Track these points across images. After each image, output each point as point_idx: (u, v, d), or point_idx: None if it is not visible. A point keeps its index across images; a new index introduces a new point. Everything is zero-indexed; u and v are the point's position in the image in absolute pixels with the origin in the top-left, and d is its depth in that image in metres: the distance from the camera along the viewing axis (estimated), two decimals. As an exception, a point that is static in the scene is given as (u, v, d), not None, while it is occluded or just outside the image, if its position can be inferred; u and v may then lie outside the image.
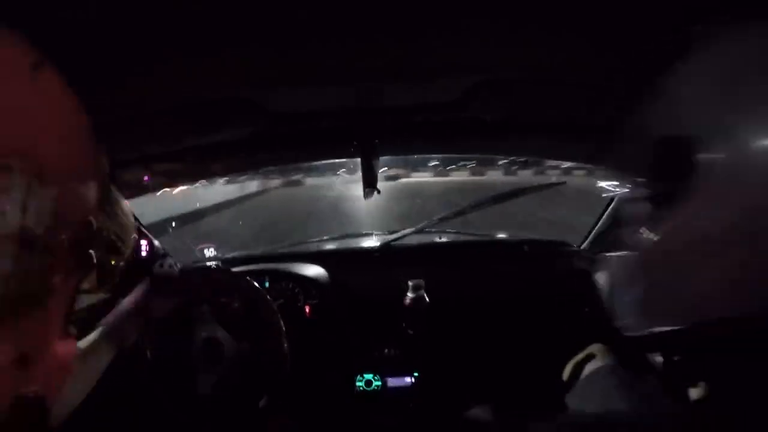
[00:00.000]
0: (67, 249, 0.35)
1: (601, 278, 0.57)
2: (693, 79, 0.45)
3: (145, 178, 1.25)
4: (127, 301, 0.92)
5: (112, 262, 0.43)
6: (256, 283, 1.05)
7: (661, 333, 0.49)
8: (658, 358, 0.85)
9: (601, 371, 0.95)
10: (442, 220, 1.47)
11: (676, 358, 0.60)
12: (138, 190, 1.31)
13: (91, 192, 0.38)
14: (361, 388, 1.28)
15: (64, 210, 0.34)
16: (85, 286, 0.40)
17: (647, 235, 0.46)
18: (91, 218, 0.38)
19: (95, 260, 0.39)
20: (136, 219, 1.31)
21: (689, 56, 0.44)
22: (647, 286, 0.47)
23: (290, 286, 1.37)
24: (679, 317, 0.44)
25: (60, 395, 0.39)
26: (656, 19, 0.56)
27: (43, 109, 0.34)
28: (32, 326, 0.33)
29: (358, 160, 1.09)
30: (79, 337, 0.66)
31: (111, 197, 0.43)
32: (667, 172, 0.48)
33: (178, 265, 1.34)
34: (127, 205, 0.47)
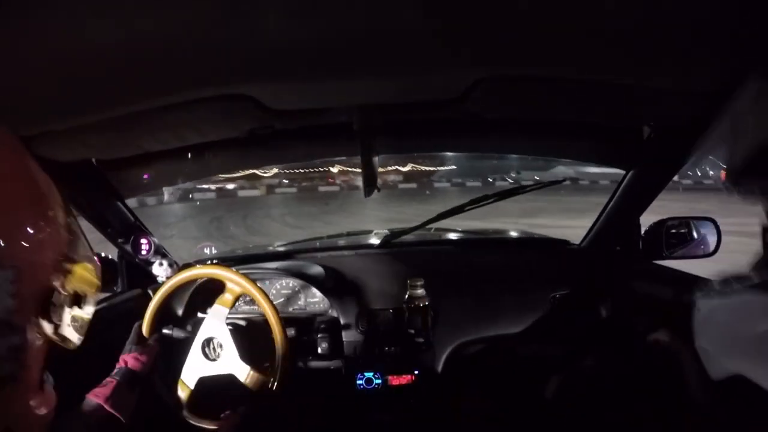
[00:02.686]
0: (35, 321, 0.35)
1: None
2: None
3: (145, 176, 1.25)
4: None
5: (84, 311, 0.42)
6: (256, 282, 1.05)
7: None
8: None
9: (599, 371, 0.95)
10: (442, 217, 1.47)
11: None
12: (138, 188, 1.32)
13: (52, 255, 0.37)
14: (362, 386, 1.28)
15: (25, 287, 0.33)
16: (58, 340, 0.39)
17: None
18: (56, 283, 0.37)
19: (65, 321, 0.38)
20: (136, 218, 1.31)
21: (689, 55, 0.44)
22: None
23: (290, 284, 1.37)
24: None
25: None
26: (655, 18, 0.56)
27: None
28: (12, 402, 0.34)
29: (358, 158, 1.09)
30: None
31: (74, 245, 0.41)
32: (664, 168, 0.48)
33: (178, 264, 1.35)
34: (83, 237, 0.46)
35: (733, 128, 0.43)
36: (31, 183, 0.37)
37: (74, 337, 0.40)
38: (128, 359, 0.91)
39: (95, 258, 0.45)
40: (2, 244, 0.32)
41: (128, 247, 1.27)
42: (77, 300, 0.40)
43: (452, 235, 1.74)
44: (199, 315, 1.10)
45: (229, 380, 0.99)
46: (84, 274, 0.41)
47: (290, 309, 1.38)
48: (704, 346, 0.47)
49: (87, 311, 0.42)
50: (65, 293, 0.38)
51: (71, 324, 0.39)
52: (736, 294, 0.46)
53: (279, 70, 0.71)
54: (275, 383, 0.97)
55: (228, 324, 1.04)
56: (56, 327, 0.37)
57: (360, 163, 1.08)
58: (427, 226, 1.54)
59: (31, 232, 0.35)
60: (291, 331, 1.12)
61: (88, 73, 0.62)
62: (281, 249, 1.66)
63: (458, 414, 1.30)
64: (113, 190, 1.22)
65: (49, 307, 0.36)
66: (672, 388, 0.80)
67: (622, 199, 1.32)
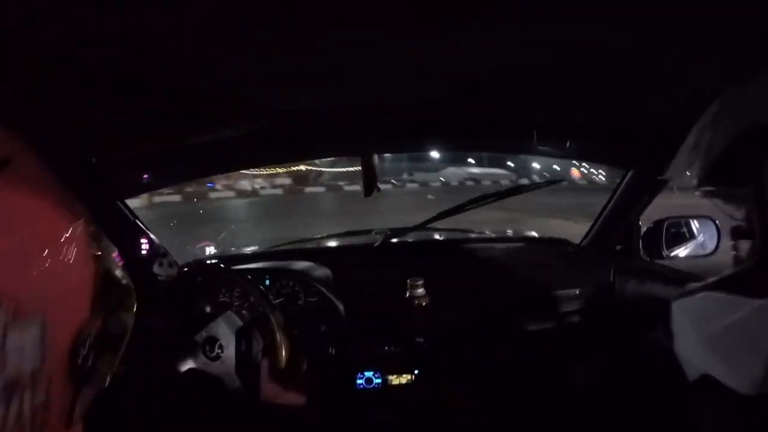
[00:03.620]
0: (59, 377, 0.31)
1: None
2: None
3: (145, 176, 1.25)
4: None
5: (112, 354, 0.38)
6: (256, 281, 1.05)
7: None
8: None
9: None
10: (442, 217, 1.47)
11: None
12: (138, 188, 1.32)
13: (83, 300, 0.33)
14: (362, 386, 1.28)
15: (51, 343, 0.29)
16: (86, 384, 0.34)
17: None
18: (87, 330, 0.33)
19: (95, 368, 0.34)
20: (136, 217, 1.31)
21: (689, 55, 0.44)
22: None
23: (290, 284, 1.37)
24: None
25: None
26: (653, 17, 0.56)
27: (8, 226, 0.28)
28: None
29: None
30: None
31: (109, 291, 0.36)
32: (664, 168, 0.48)
33: (178, 264, 1.35)
34: (121, 268, 0.41)
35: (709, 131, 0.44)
36: (52, 209, 0.32)
37: (104, 376, 0.36)
38: None
39: (131, 285, 0.40)
40: (28, 295, 0.27)
41: (128, 247, 1.27)
42: (108, 341, 0.36)
43: (452, 235, 1.74)
44: (201, 313, 1.10)
45: (224, 381, 0.99)
46: (121, 305, 0.37)
47: (290, 309, 1.38)
48: (675, 348, 0.47)
49: (117, 347, 0.38)
50: (100, 330, 0.34)
51: (101, 364, 0.35)
52: (693, 294, 0.46)
53: (279, 70, 0.71)
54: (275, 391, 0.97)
55: (237, 336, 1.03)
56: (86, 374, 0.33)
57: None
58: (427, 226, 1.54)
59: (56, 273, 0.31)
60: (294, 331, 1.12)
61: (87, 73, 0.62)
62: (281, 248, 1.66)
63: (458, 414, 1.30)
64: (113, 190, 1.22)
65: (78, 357, 0.32)
66: (672, 388, 0.80)
67: (622, 199, 1.32)
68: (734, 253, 0.47)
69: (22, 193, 0.30)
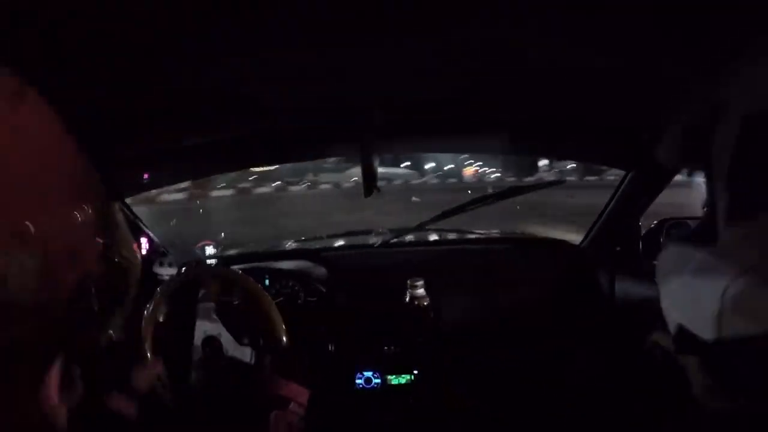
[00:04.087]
0: (65, 303, 0.32)
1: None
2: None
3: (145, 176, 1.25)
4: None
5: (116, 305, 0.39)
6: (256, 281, 1.05)
7: None
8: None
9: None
10: (442, 218, 1.47)
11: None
12: (138, 188, 1.32)
13: (88, 242, 0.34)
14: (361, 386, 1.28)
15: (54, 265, 0.30)
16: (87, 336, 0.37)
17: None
18: (89, 271, 0.34)
19: (97, 315, 0.35)
20: (136, 217, 1.31)
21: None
22: None
23: (290, 283, 1.37)
24: None
25: None
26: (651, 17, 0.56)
27: (23, 150, 0.29)
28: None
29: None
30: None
31: (113, 242, 0.38)
32: (664, 168, 0.49)
33: (178, 264, 1.35)
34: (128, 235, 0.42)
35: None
36: (70, 164, 0.34)
37: (104, 331, 0.38)
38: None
39: (137, 256, 0.41)
40: (34, 222, 0.29)
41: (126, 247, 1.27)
42: (113, 286, 0.37)
43: (452, 235, 1.74)
44: (205, 312, 1.10)
45: (224, 380, 0.99)
46: (121, 269, 0.38)
47: (290, 308, 1.38)
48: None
49: (119, 311, 0.39)
50: (99, 286, 0.36)
51: (101, 317, 0.36)
52: (664, 250, 0.49)
53: (279, 70, 0.71)
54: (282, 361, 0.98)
55: (227, 319, 1.04)
56: (87, 316, 0.35)
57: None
58: (427, 227, 1.54)
59: (72, 207, 0.33)
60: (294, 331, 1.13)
61: (87, 73, 0.62)
62: (281, 248, 1.66)
63: (458, 414, 1.30)
64: (113, 190, 1.22)
65: (80, 297, 0.34)
66: (672, 388, 0.80)
67: (622, 200, 1.32)
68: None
69: (41, 125, 0.31)
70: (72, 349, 0.35)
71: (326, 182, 19.97)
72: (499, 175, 18.90)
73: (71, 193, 0.34)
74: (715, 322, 0.37)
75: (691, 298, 0.41)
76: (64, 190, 0.33)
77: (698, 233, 0.47)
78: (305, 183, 19.76)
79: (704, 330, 0.38)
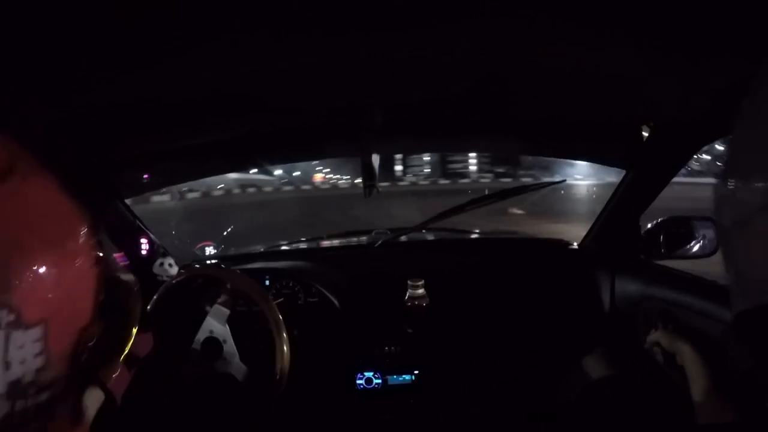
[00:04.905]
0: (63, 375, 0.31)
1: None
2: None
3: (145, 176, 1.25)
4: None
5: (116, 354, 0.39)
6: (256, 281, 1.05)
7: None
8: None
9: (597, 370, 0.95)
10: (442, 217, 1.47)
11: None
12: (138, 188, 1.32)
13: (85, 304, 0.33)
14: (362, 386, 1.28)
15: (53, 343, 0.30)
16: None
17: None
18: (89, 333, 0.33)
19: (98, 369, 0.35)
20: (136, 218, 1.31)
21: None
22: None
23: (290, 284, 1.37)
24: None
25: None
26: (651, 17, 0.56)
27: (12, 235, 0.28)
28: None
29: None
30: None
31: (112, 294, 0.37)
32: (664, 168, 0.47)
33: (178, 264, 1.35)
34: (129, 274, 0.41)
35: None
36: (55, 216, 0.33)
37: (108, 376, 0.37)
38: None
39: (134, 287, 0.41)
40: (29, 299, 0.28)
41: (128, 247, 1.27)
42: (112, 342, 0.37)
43: (452, 235, 1.74)
44: (201, 313, 1.10)
45: (228, 380, 0.99)
46: (121, 316, 0.37)
47: (290, 309, 1.38)
48: None
49: (120, 348, 0.38)
50: (104, 333, 0.35)
51: (104, 366, 0.36)
52: None
53: (278, 70, 0.71)
54: (275, 385, 0.97)
55: (230, 324, 1.04)
56: (89, 375, 0.34)
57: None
58: (427, 227, 1.54)
59: (67, 274, 0.31)
60: (293, 332, 1.13)
61: (87, 73, 0.62)
62: (281, 248, 1.66)
63: (458, 414, 1.30)
64: (113, 190, 1.22)
65: (81, 358, 0.33)
66: (672, 388, 0.80)
67: (622, 199, 1.32)
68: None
69: (26, 201, 0.30)
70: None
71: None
72: (347, 180, 18.65)
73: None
74: None
75: None
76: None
77: None
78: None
79: None
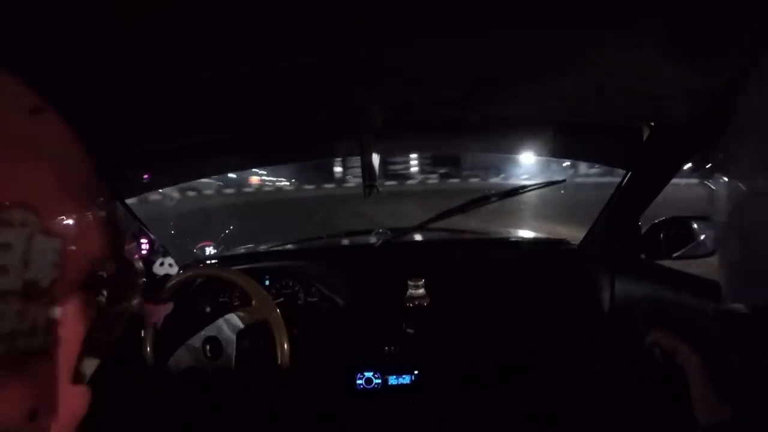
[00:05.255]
0: (75, 299, 0.34)
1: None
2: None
3: (145, 176, 1.25)
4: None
5: (122, 307, 0.42)
6: (255, 281, 1.05)
7: None
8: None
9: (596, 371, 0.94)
10: (442, 217, 1.47)
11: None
12: (138, 188, 1.32)
13: (98, 240, 0.37)
14: (362, 386, 1.28)
15: (69, 260, 0.33)
16: (94, 333, 0.38)
17: None
18: (99, 266, 0.37)
19: (104, 307, 0.38)
20: (136, 218, 1.31)
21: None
22: None
23: (290, 284, 1.37)
24: None
25: None
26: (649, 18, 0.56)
27: (43, 155, 0.32)
28: (41, 380, 0.32)
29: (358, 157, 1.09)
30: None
31: (119, 243, 0.40)
32: (664, 168, 0.48)
33: (178, 264, 1.35)
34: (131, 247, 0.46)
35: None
36: (90, 168, 0.38)
37: (115, 328, 0.39)
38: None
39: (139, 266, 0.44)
40: (52, 212, 0.31)
41: (128, 247, 1.27)
42: (118, 291, 0.39)
43: (452, 235, 1.74)
44: (205, 311, 1.10)
45: (228, 380, 0.99)
46: (130, 266, 0.41)
47: (290, 309, 1.38)
48: None
49: (125, 308, 0.41)
50: (111, 276, 0.38)
51: (106, 316, 0.38)
52: None
53: (279, 70, 0.71)
54: (276, 386, 0.97)
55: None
56: (96, 310, 0.37)
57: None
58: (427, 226, 1.54)
59: (88, 210, 0.35)
60: (293, 332, 1.12)
61: (87, 73, 0.62)
62: (281, 248, 1.66)
63: (458, 414, 1.30)
64: (113, 190, 1.22)
65: (92, 286, 0.36)
66: (672, 389, 0.80)
67: (622, 199, 1.32)
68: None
69: (54, 137, 0.34)
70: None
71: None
72: (284, 183, 18.70)
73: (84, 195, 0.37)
74: None
75: None
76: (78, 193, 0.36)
77: None
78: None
79: None
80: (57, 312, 0.32)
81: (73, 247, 0.33)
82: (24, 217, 0.29)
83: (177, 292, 1.11)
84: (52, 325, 0.32)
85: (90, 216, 0.36)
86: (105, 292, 0.38)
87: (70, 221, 0.34)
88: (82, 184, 0.37)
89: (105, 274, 0.37)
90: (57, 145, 0.35)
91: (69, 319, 0.34)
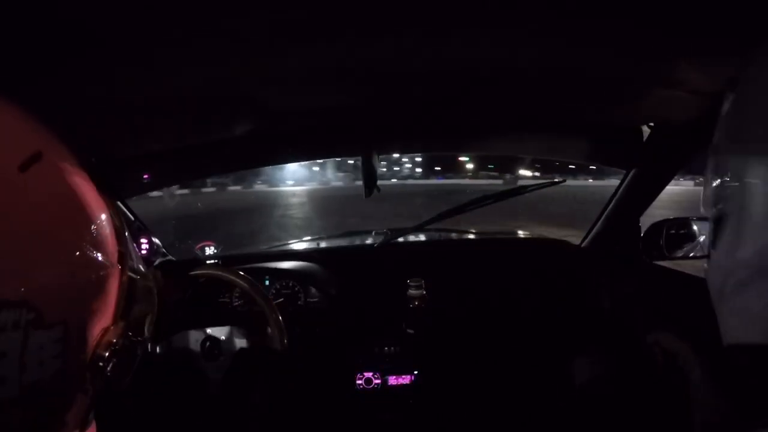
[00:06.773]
0: (80, 381, 0.30)
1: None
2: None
3: (145, 176, 1.25)
4: None
5: (131, 359, 0.36)
6: (255, 282, 1.05)
7: None
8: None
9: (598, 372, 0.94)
10: (442, 218, 1.47)
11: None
12: (138, 188, 1.32)
13: (108, 304, 0.32)
14: (362, 386, 1.28)
15: (73, 345, 0.28)
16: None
17: None
18: (110, 336, 0.32)
19: (113, 371, 0.33)
20: (136, 218, 1.31)
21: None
22: None
23: (290, 284, 1.37)
24: None
25: None
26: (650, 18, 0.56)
27: (34, 226, 0.26)
28: None
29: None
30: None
31: (133, 295, 0.35)
32: (665, 168, 0.47)
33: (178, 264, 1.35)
34: (150, 272, 0.40)
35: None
36: (80, 207, 0.31)
37: (122, 380, 0.35)
38: None
39: (153, 287, 0.39)
40: (49, 300, 0.26)
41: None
42: (128, 346, 0.34)
43: (452, 235, 1.74)
44: (205, 311, 1.10)
45: (224, 381, 0.99)
46: (144, 306, 0.36)
47: (290, 309, 1.38)
48: None
49: (136, 352, 0.37)
50: (122, 336, 0.33)
51: (120, 370, 0.33)
52: None
53: (279, 70, 0.71)
54: (276, 386, 0.97)
55: (226, 320, 1.04)
56: (106, 379, 0.32)
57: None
58: (427, 226, 1.54)
59: (82, 273, 0.29)
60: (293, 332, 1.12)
61: (87, 73, 0.62)
62: (281, 249, 1.66)
63: (457, 414, 1.30)
64: (113, 190, 1.22)
65: (99, 362, 0.31)
66: (672, 389, 0.80)
67: (622, 199, 1.32)
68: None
69: (52, 191, 0.29)
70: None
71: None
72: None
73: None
74: None
75: None
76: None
77: None
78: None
79: None
80: (62, 402, 0.29)
81: (77, 328, 0.29)
82: (16, 317, 0.24)
83: (178, 292, 1.11)
84: (57, 413, 0.29)
85: (99, 278, 0.31)
86: (112, 363, 0.32)
87: (73, 299, 0.29)
88: (88, 239, 0.30)
89: (113, 347, 0.32)
90: (43, 214, 0.27)
91: (75, 402, 0.30)
